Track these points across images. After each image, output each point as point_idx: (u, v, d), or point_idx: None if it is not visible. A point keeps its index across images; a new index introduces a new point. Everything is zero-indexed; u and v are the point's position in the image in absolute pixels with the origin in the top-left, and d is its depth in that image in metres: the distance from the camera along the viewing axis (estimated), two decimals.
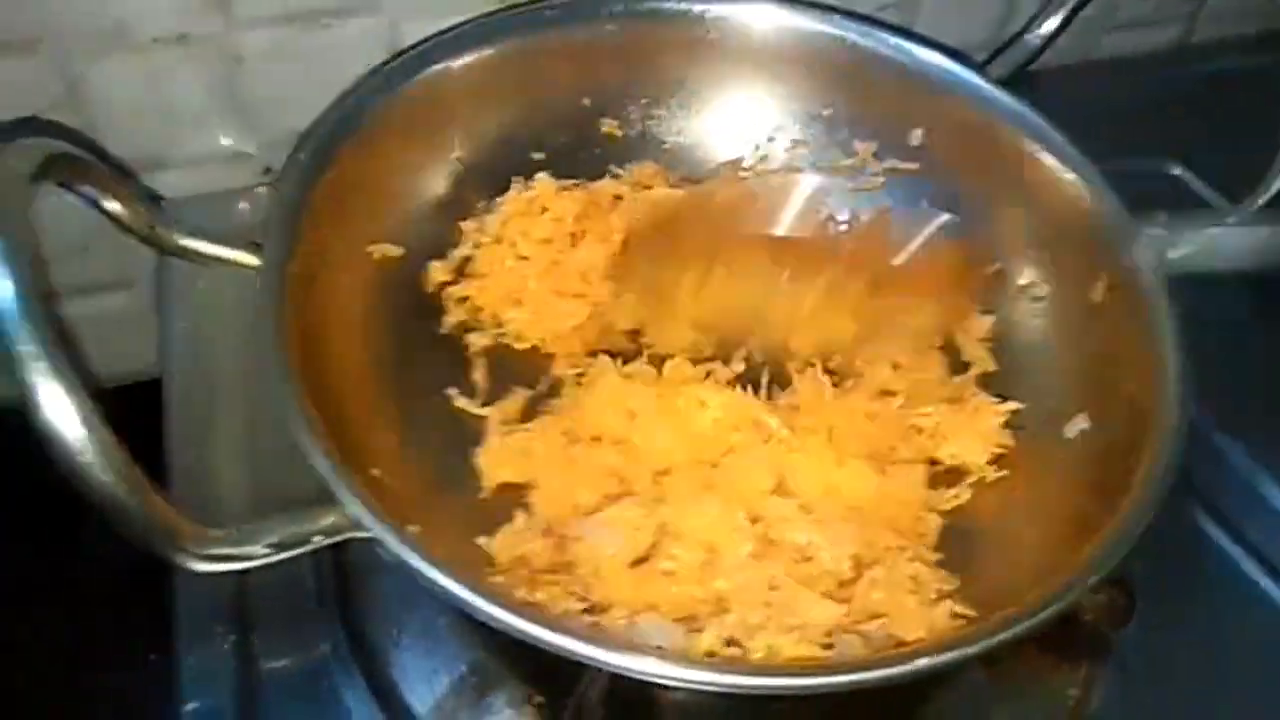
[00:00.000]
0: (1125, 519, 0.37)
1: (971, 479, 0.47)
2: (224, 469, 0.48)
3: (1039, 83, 0.66)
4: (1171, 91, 0.72)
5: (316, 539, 0.34)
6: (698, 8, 0.53)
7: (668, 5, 0.53)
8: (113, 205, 0.37)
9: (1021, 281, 0.51)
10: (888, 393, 0.48)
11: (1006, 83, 0.52)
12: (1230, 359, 0.58)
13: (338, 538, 0.35)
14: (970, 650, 0.34)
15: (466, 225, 0.51)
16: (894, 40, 0.53)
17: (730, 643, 0.38)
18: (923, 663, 0.33)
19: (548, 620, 0.34)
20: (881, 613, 0.39)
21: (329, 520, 0.35)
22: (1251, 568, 0.52)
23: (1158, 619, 0.47)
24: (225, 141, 0.60)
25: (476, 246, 0.50)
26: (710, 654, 0.37)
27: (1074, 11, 0.51)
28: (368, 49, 0.56)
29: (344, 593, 0.46)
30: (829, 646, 0.38)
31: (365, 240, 0.48)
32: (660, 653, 0.34)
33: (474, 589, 0.34)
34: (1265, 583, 0.51)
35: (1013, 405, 0.48)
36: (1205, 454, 0.55)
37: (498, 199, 0.52)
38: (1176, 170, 0.68)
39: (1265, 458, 0.55)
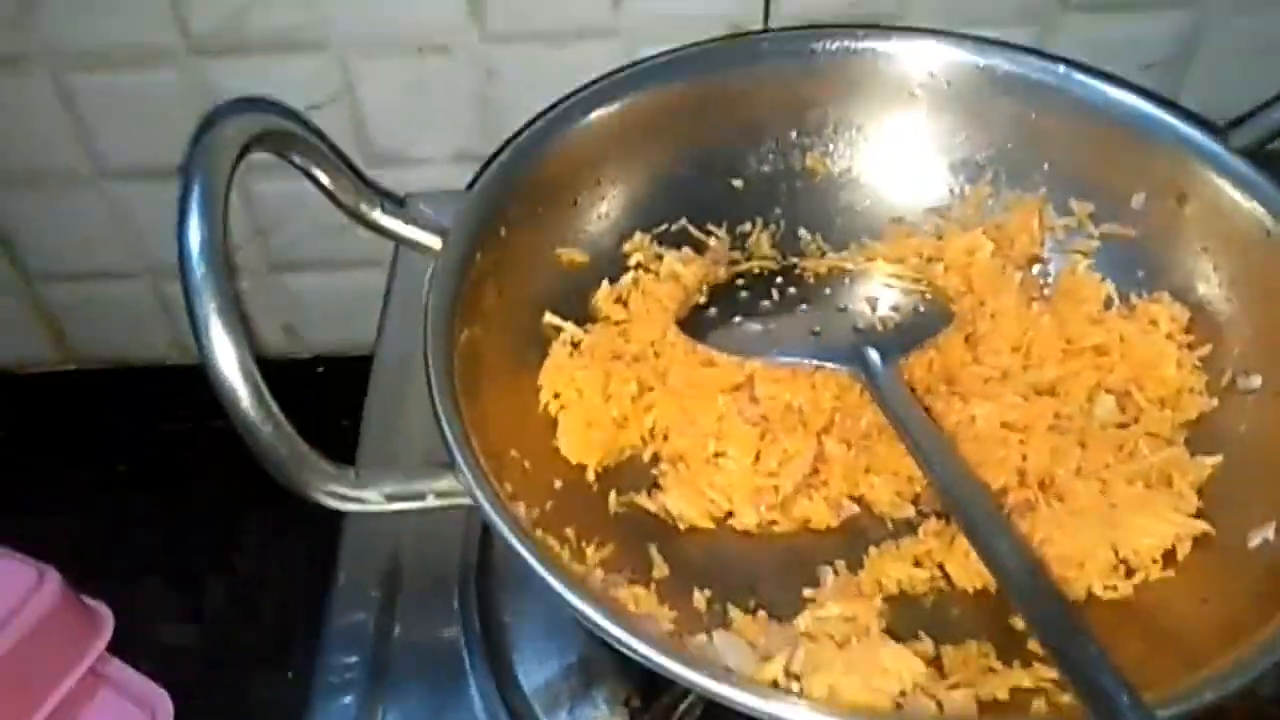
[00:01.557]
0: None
1: (1138, 578, 0.43)
2: (407, 448, 0.53)
3: None
4: None
5: (430, 498, 0.37)
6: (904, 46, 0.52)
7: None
8: (323, 177, 0.42)
9: (1232, 368, 0.46)
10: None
11: (1250, 153, 0.47)
12: None
13: (450, 501, 0.37)
14: None
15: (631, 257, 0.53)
16: (1114, 91, 0.49)
17: (790, 675, 0.37)
18: None
19: (627, 623, 0.34)
20: (969, 683, 0.37)
21: (444, 483, 0.37)
22: None
23: None
24: (473, 145, 0.66)
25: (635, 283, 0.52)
26: (774, 683, 0.36)
27: None
28: (605, 68, 0.60)
29: (484, 564, 0.49)
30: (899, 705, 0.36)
31: (553, 243, 0.51)
32: (733, 677, 0.34)
33: (556, 571, 0.35)
34: None
35: (1202, 526, 0.43)
36: None
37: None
38: None
39: None
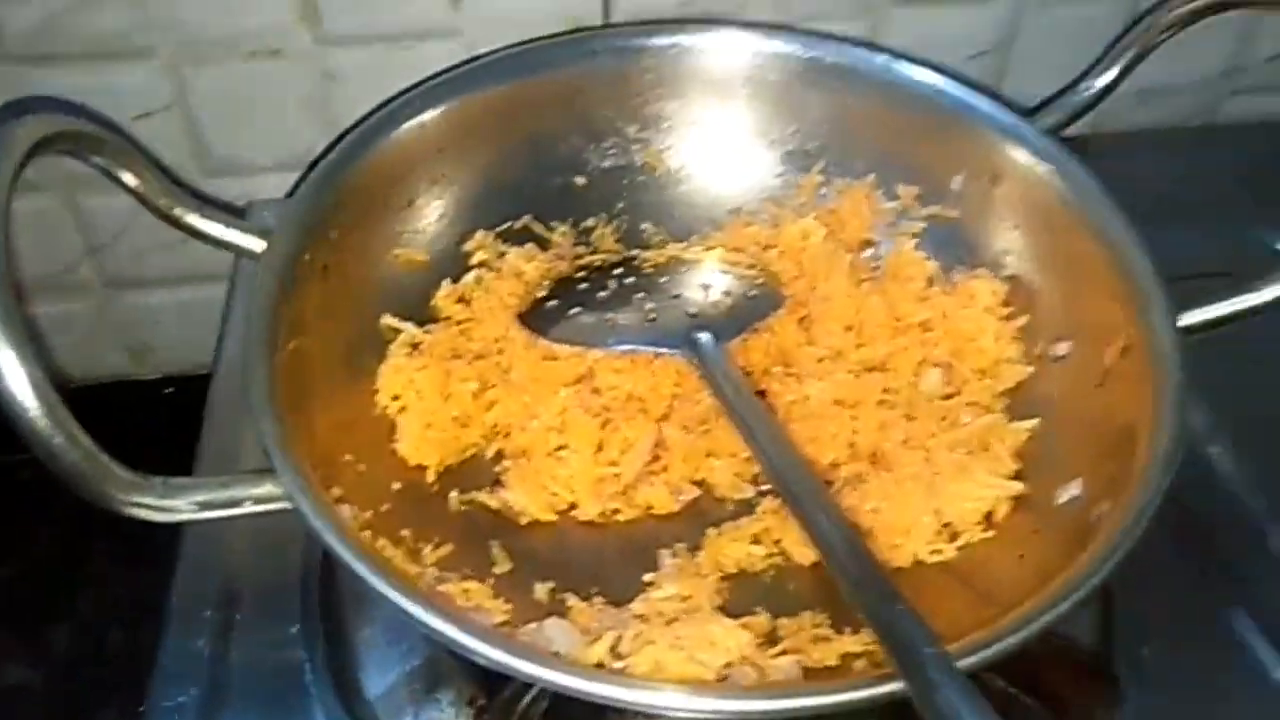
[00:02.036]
0: (1061, 588, 0.35)
1: (961, 540, 0.45)
2: (249, 464, 0.51)
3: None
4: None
5: (247, 504, 0.36)
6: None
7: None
8: (132, 181, 0.40)
9: (1044, 338, 0.49)
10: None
11: (1055, 132, 0.50)
12: None
13: (269, 506, 0.36)
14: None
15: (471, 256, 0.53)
16: (930, 77, 0.51)
17: (616, 654, 0.37)
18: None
19: (449, 616, 0.34)
20: (797, 650, 0.38)
21: (263, 488, 0.36)
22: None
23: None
24: (316, 149, 0.65)
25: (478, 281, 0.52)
26: (598, 665, 0.37)
27: (1127, 69, 0.48)
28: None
29: (325, 577, 0.48)
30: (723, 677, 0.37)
31: (390, 244, 0.50)
32: (556, 661, 0.34)
33: (375, 569, 0.35)
34: None
35: (1017, 487, 0.45)
36: (1256, 549, 0.51)
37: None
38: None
39: None
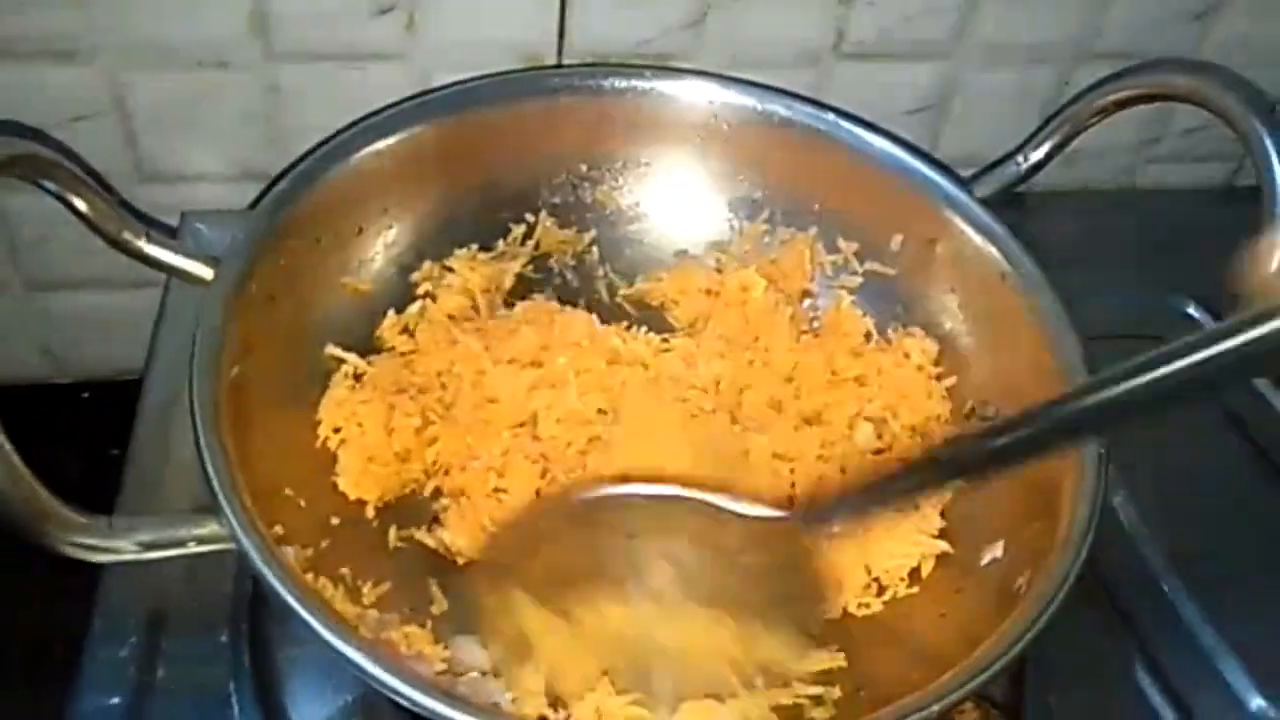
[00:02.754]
0: (976, 662, 0.36)
1: (888, 595, 0.46)
2: (176, 483, 0.50)
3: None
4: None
5: (190, 544, 0.36)
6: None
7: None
8: (80, 205, 0.39)
9: (973, 397, 0.51)
10: None
11: (991, 202, 0.52)
12: (1223, 521, 0.57)
13: (211, 547, 0.36)
14: None
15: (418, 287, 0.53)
16: (877, 140, 0.53)
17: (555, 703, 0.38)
18: None
19: (394, 668, 0.34)
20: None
21: (206, 529, 0.36)
22: None
23: None
24: (256, 163, 0.64)
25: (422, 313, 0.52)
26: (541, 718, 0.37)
27: (1059, 146, 0.51)
28: (397, 90, 0.59)
29: (256, 601, 0.47)
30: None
31: (336, 273, 0.50)
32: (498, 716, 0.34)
33: (325, 620, 0.34)
34: None
35: (942, 546, 0.47)
36: (1153, 599, 0.54)
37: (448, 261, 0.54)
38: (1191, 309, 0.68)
39: (1224, 627, 0.53)
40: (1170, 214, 0.75)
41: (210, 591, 0.47)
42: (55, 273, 0.65)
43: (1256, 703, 0.51)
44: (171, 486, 0.50)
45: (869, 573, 0.46)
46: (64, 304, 0.67)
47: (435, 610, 0.44)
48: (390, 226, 0.52)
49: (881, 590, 0.46)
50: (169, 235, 0.43)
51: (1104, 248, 0.71)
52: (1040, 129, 0.52)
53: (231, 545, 0.36)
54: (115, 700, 0.44)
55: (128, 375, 0.59)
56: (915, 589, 0.46)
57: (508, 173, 0.55)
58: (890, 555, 0.46)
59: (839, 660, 0.43)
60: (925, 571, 0.46)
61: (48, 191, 0.39)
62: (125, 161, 0.62)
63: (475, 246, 0.54)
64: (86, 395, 0.70)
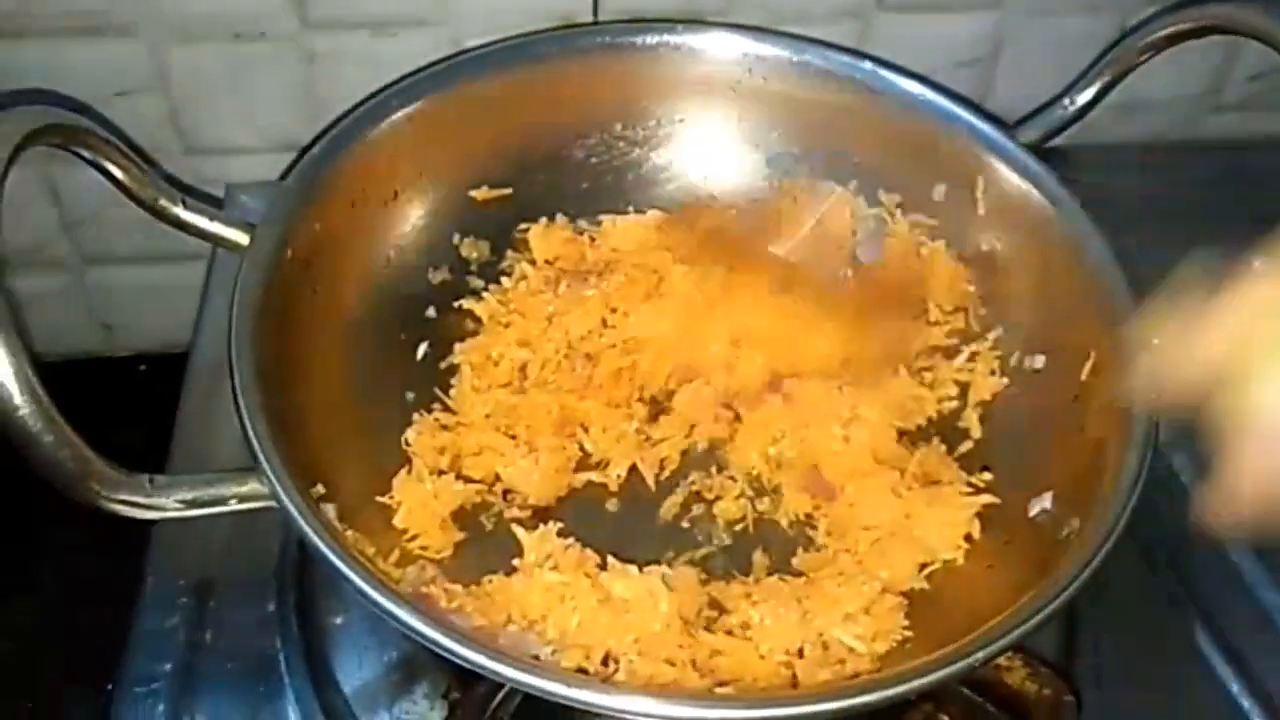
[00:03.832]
0: (1029, 605, 0.36)
1: (935, 564, 0.46)
2: (223, 451, 0.51)
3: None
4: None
5: (232, 502, 0.36)
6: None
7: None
8: (118, 173, 0.40)
9: (1020, 350, 0.50)
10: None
11: (1036, 147, 0.51)
12: None
13: (253, 505, 0.37)
14: None
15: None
16: (916, 89, 0.51)
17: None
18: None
19: (432, 618, 0.35)
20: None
21: (247, 487, 0.36)
22: (1239, 690, 0.48)
23: None
24: (297, 134, 0.64)
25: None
26: (580, 670, 0.37)
27: (1108, 87, 0.49)
28: (432, 57, 0.59)
29: (303, 565, 0.48)
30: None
31: (372, 238, 0.50)
32: (537, 667, 0.35)
33: (365, 574, 0.35)
34: (1249, 706, 0.47)
35: (986, 499, 0.46)
36: (1217, 562, 0.52)
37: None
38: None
39: None
40: (1236, 166, 0.71)
41: (257, 558, 0.48)
42: (108, 248, 0.66)
43: None
44: (218, 454, 0.51)
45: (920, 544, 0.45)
46: (118, 278, 0.68)
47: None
48: (425, 190, 0.52)
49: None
50: (208, 204, 0.43)
51: (1166, 202, 0.68)
52: (1088, 69, 0.50)
53: (272, 503, 0.36)
54: (166, 665, 0.44)
55: (183, 348, 0.60)
56: (965, 545, 0.45)
57: (542, 134, 0.55)
58: (941, 526, 0.45)
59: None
60: (975, 533, 0.45)
61: (85, 160, 0.39)
62: (170, 135, 0.63)
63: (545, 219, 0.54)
64: (143, 368, 0.71)
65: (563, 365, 0.50)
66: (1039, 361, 0.49)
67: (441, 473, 0.45)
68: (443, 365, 0.51)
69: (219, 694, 0.43)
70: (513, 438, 0.47)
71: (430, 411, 0.48)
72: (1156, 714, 0.47)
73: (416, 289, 0.52)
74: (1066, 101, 0.51)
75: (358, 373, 0.48)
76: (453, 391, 0.49)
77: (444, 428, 0.47)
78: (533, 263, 0.54)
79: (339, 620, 0.46)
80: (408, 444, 0.47)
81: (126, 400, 0.68)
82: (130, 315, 0.70)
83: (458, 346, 0.51)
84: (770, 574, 0.45)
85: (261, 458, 0.37)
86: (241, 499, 0.36)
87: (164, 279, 0.68)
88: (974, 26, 0.65)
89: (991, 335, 0.51)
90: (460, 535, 0.45)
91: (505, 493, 0.47)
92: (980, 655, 0.34)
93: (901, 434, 0.49)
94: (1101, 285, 0.46)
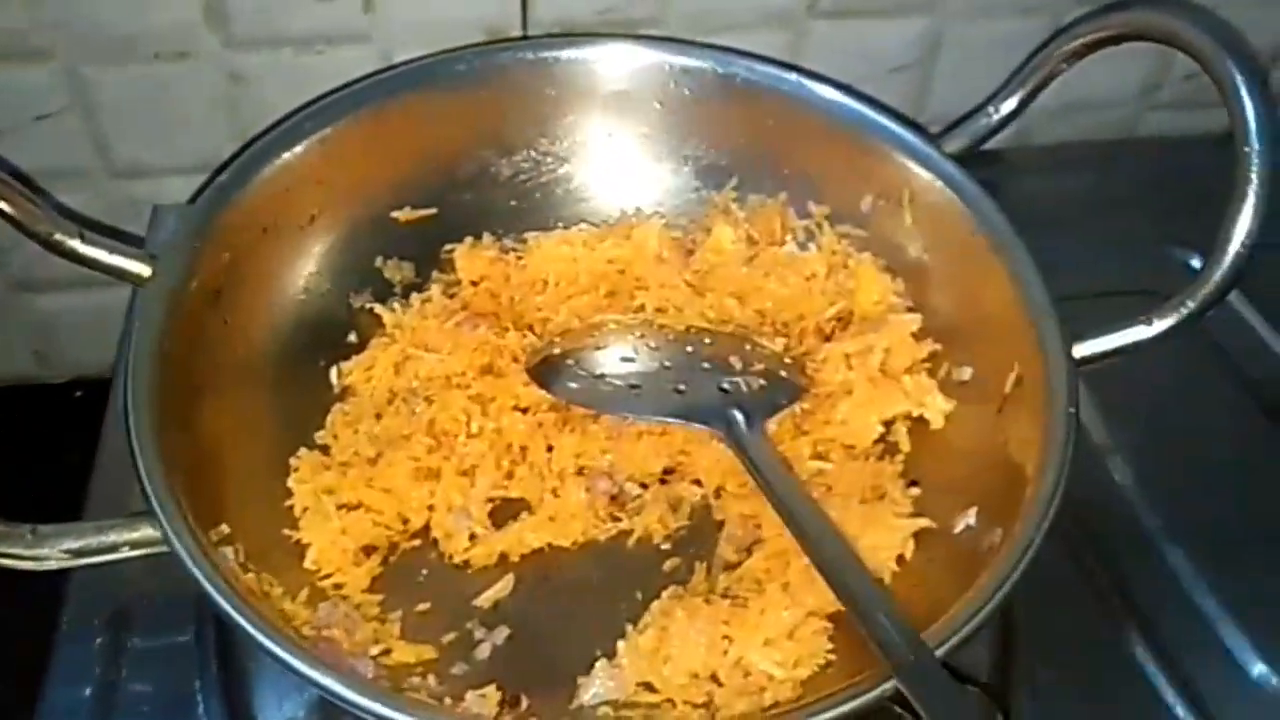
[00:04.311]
0: (947, 625, 0.35)
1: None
2: None
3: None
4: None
5: (124, 549, 0.35)
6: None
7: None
8: (6, 208, 0.39)
9: (948, 361, 0.49)
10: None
11: (960, 157, 0.50)
12: (1224, 486, 0.55)
13: (146, 551, 0.36)
14: None
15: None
16: (842, 100, 0.51)
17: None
18: None
19: (325, 664, 0.34)
20: None
21: (139, 533, 0.36)
22: (1174, 699, 0.48)
23: None
24: (225, 154, 0.63)
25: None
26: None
27: (1031, 95, 0.49)
28: (361, 73, 0.58)
29: None
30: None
31: (285, 263, 0.49)
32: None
33: (258, 621, 0.34)
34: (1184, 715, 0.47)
35: (923, 522, 0.45)
36: (1153, 570, 0.52)
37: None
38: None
39: (1223, 593, 0.51)
40: (1173, 163, 0.71)
41: (176, 590, 0.46)
42: (39, 272, 0.65)
43: (1258, 669, 0.49)
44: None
45: None
46: (50, 303, 0.67)
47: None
48: (344, 213, 0.51)
49: None
50: (108, 235, 0.42)
51: (1105, 200, 0.68)
52: (1010, 79, 0.49)
53: (165, 549, 0.36)
54: (85, 694, 0.43)
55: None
56: (896, 567, 0.45)
57: (465, 152, 0.54)
58: (874, 549, 0.44)
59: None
60: (908, 555, 0.45)
61: None
62: (94, 158, 0.61)
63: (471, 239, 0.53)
64: (79, 394, 0.70)
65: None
66: (965, 374, 0.48)
67: (349, 507, 0.44)
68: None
69: None
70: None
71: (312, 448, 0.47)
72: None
73: (336, 314, 0.51)
74: (990, 109, 0.50)
75: (272, 404, 0.47)
76: (327, 424, 0.48)
77: (325, 467, 0.46)
78: (457, 284, 0.53)
79: (258, 659, 0.45)
80: (290, 487, 0.45)
81: (60, 427, 0.67)
82: (63, 341, 0.69)
83: (342, 365, 0.49)
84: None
85: (155, 503, 0.36)
86: (134, 545, 0.36)
87: (95, 302, 0.66)
88: (907, 31, 0.65)
89: (924, 348, 0.50)
90: (378, 568, 0.44)
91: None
92: (890, 685, 0.34)
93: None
94: (1024, 297, 0.45)
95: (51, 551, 0.34)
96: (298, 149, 0.49)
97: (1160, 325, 0.43)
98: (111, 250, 0.42)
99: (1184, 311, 0.42)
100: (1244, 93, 0.40)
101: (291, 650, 0.33)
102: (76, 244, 0.41)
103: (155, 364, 0.40)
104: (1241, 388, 0.59)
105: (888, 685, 0.35)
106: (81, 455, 0.54)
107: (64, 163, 0.60)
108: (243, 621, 0.34)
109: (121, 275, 0.42)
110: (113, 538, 0.35)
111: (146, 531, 0.36)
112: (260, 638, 0.33)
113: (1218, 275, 0.42)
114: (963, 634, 0.36)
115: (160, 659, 0.45)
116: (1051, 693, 0.48)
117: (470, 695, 0.38)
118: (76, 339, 0.69)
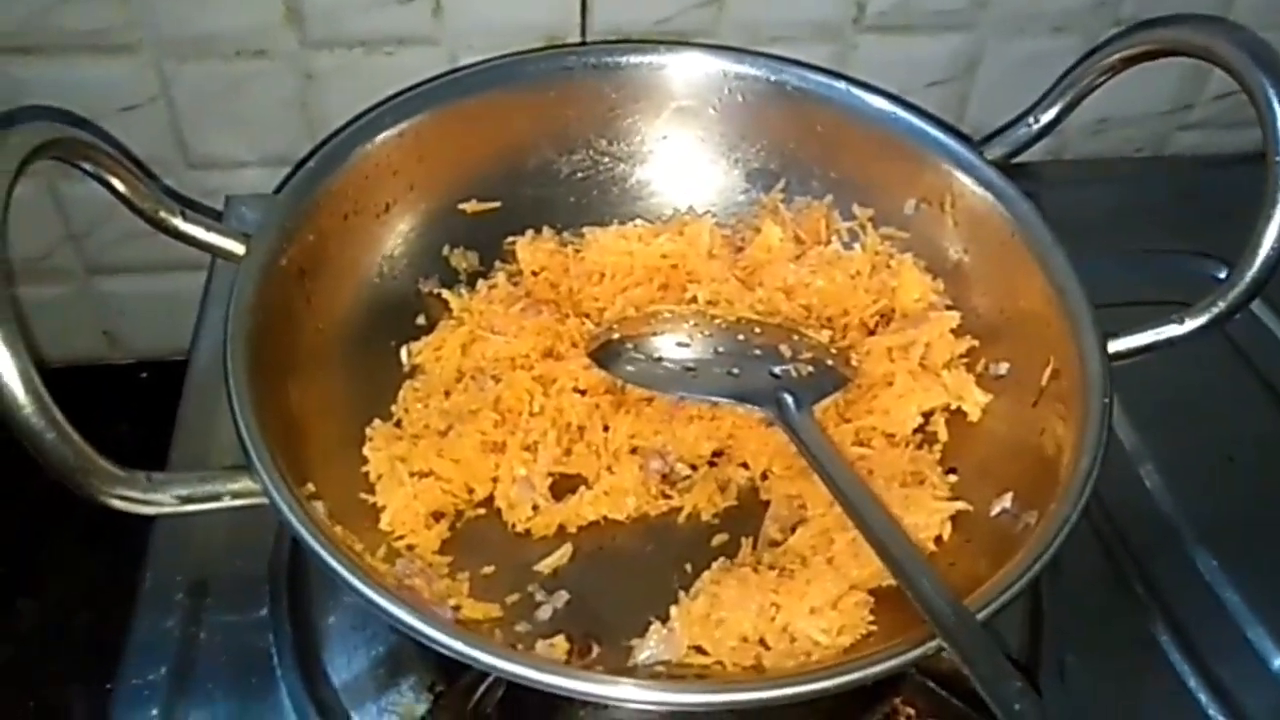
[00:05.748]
0: (982, 596, 0.38)
1: None
2: (221, 456, 0.52)
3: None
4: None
5: (226, 499, 0.38)
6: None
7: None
8: (120, 186, 0.42)
9: (986, 357, 0.51)
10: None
11: (1003, 163, 0.53)
12: (1250, 485, 0.57)
13: (246, 501, 0.38)
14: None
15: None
16: (889, 108, 0.54)
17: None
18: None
19: (414, 608, 0.36)
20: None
21: (240, 484, 0.38)
22: (1196, 684, 0.50)
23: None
24: (296, 149, 0.66)
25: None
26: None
27: (1070, 107, 0.51)
28: (427, 74, 0.61)
29: (295, 563, 0.50)
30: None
31: (362, 247, 0.52)
32: (513, 653, 0.36)
33: (350, 567, 0.37)
34: (1206, 700, 0.49)
35: (960, 505, 0.47)
36: (1181, 568, 0.54)
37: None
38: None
39: (1248, 589, 0.53)
40: (1203, 179, 0.74)
41: (251, 559, 0.49)
42: (110, 258, 0.68)
43: (1278, 661, 0.51)
44: (215, 457, 0.52)
45: None
46: (120, 287, 0.70)
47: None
48: (417, 203, 0.54)
49: None
50: (206, 215, 0.46)
51: (1136, 214, 0.70)
52: (1050, 90, 0.52)
53: (264, 500, 0.38)
54: (162, 666, 0.46)
55: (182, 355, 0.62)
56: (934, 547, 0.47)
57: (530, 150, 0.57)
58: (913, 530, 0.46)
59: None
60: (946, 535, 0.47)
61: (88, 174, 0.41)
62: (172, 149, 0.65)
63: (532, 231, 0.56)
64: (144, 375, 0.73)
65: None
66: (1002, 368, 0.51)
67: (420, 475, 0.47)
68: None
69: (214, 691, 0.45)
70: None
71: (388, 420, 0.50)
72: (1117, 706, 0.49)
73: (407, 297, 0.54)
74: (1030, 120, 0.53)
75: (348, 378, 0.49)
76: (399, 398, 0.51)
77: (398, 438, 0.49)
78: (520, 273, 0.55)
79: (330, 619, 0.48)
80: (365, 455, 0.48)
81: (127, 405, 0.70)
82: (131, 323, 0.72)
83: (412, 345, 0.52)
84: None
85: (254, 455, 0.39)
86: (235, 495, 0.38)
87: (164, 288, 0.70)
88: (948, 47, 0.67)
89: (963, 344, 0.53)
90: (447, 532, 0.47)
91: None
92: (934, 643, 0.36)
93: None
94: (1061, 295, 0.48)
95: (164, 496, 0.37)
96: (377, 141, 0.52)
97: (1191, 324, 0.46)
98: (209, 229, 0.45)
99: (1214, 311, 0.45)
100: (1276, 104, 0.42)
101: (383, 594, 0.36)
102: (179, 221, 0.44)
103: (250, 332, 0.43)
104: (1265, 392, 0.61)
105: (931, 644, 0.37)
106: (146, 432, 0.57)
107: (145, 152, 0.63)
108: (337, 565, 0.37)
109: (218, 253, 0.45)
110: (216, 487, 0.38)
111: (246, 483, 0.38)
112: (354, 581, 0.36)
113: (1248, 277, 0.44)
114: (1002, 599, 0.38)
115: (236, 622, 0.48)
116: (1078, 678, 0.50)
117: (540, 644, 0.41)
118: (145, 322, 0.72)
